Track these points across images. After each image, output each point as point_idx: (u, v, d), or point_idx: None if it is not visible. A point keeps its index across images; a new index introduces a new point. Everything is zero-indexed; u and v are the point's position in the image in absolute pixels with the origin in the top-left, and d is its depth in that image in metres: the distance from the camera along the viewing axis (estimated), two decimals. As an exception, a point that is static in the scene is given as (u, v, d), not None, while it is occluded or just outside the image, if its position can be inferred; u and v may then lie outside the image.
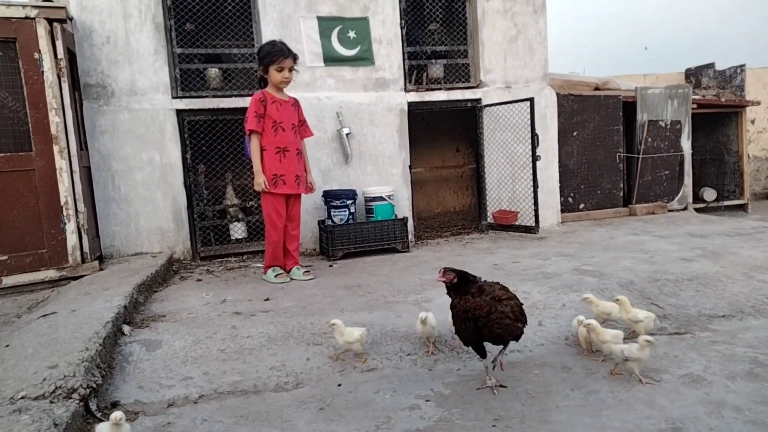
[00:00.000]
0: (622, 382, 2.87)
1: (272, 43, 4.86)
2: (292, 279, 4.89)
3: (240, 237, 6.18)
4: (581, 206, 7.96)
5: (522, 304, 2.85)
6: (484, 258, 5.39)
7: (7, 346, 3.06)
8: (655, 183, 8.27)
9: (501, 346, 2.90)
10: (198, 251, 5.91)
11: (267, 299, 4.21)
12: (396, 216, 6.06)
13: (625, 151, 8.17)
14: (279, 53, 4.76)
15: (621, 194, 8.20)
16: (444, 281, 2.90)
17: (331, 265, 5.45)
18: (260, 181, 4.73)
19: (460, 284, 2.87)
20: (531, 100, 6.20)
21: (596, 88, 8.44)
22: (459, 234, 6.95)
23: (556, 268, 4.80)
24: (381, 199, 5.96)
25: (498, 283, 2.90)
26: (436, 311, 3.81)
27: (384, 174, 6.42)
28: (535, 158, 6.31)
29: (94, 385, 2.68)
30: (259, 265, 5.66)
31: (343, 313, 3.74)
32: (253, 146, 4.75)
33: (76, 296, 4.02)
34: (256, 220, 6.21)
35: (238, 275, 5.20)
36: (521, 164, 6.62)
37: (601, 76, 9.07)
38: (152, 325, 3.65)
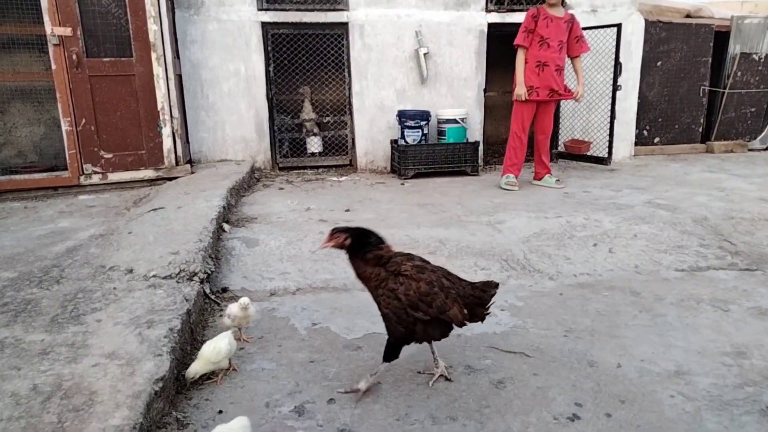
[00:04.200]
0: (689, 308, 3.01)
1: None
2: (543, 185, 5.48)
3: (315, 151, 6.45)
4: (656, 140, 7.76)
5: (436, 292, 2.10)
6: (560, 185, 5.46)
7: (130, 233, 3.48)
8: (738, 120, 7.91)
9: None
10: (277, 162, 6.23)
11: (348, 210, 4.50)
12: (467, 139, 6.14)
13: (710, 85, 7.79)
14: None
15: (700, 130, 7.92)
16: (334, 246, 2.18)
17: (402, 184, 5.66)
18: (520, 93, 5.11)
19: (358, 247, 2.18)
20: (618, 26, 5.96)
21: (687, 16, 7.94)
22: (528, 161, 6.96)
23: (628, 200, 4.84)
24: (454, 121, 6.03)
25: (418, 258, 2.25)
26: (509, 232, 4.02)
27: (458, 96, 6.44)
28: (615, 88, 6.15)
29: (209, 272, 3.06)
30: (335, 178, 5.95)
31: (420, 228, 3.98)
32: (519, 59, 5.12)
33: (177, 195, 4.42)
34: (331, 135, 6.44)
35: (316, 186, 5.50)
36: (599, 93, 6.48)
37: (693, 2, 8.50)
38: (247, 225, 4.01)
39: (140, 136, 5.14)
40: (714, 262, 3.67)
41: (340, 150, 6.46)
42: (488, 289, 2.22)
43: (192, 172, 5.40)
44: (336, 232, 2.18)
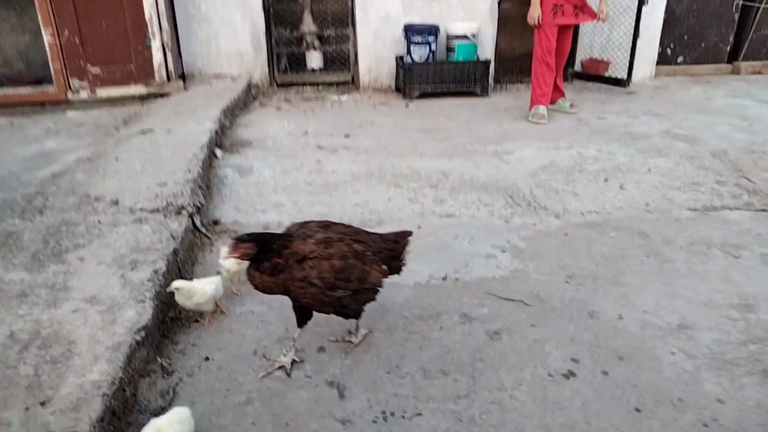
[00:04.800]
0: (699, 254, 2.88)
1: None
2: (556, 110, 5.11)
3: (316, 67, 6.10)
4: (679, 59, 7.28)
5: (352, 264, 1.94)
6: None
7: (116, 158, 3.32)
8: (770, 39, 7.38)
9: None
10: (275, 78, 5.91)
11: (347, 135, 4.29)
12: (478, 57, 5.76)
13: (744, -1, 7.19)
14: None
15: (727, 49, 7.40)
16: (238, 257, 1.89)
17: (407, 106, 5.38)
18: (534, 15, 4.63)
19: (263, 254, 1.88)
20: (650, -70, 5.39)
21: None
22: (540, 81, 6.60)
23: (645, 128, 4.59)
24: (464, 37, 5.62)
25: (317, 226, 2.00)
26: (516, 164, 3.83)
27: (470, 9, 5.97)
28: (642, 2, 5.67)
29: (199, 204, 2.93)
30: (336, 97, 5.66)
31: (423, 159, 3.79)
32: None
33: (168, 115, 4.20)
34: (332, 50, 6.06)
35: (315, 107, 5.24)
36: (622, 7, 5.98)
37: None
38: (241, 151, 3.83)
39: (128, 49, 4.83)
40: (729, 201, 3.50)
41: (341, 66, 6.10)
42: (401, 239, 2.12)
43: (185, 89, 5.14)
44: (238, 243, 1.85)
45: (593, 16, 4.78)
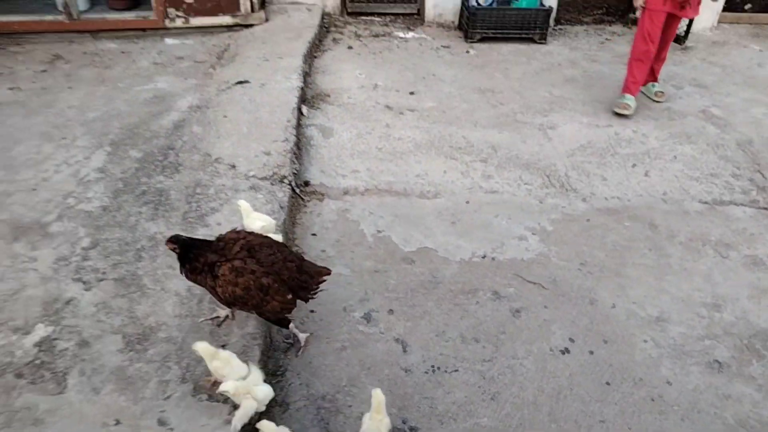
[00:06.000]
0: (693, 251, 3.54)
1: None
2: (642, 93, 4.98)
3: (385, -3, 6.38)
4: (747, 6, 7.20)
5: (252, 295, 2.34)
6: (618, 72, 5.46)
7: (225, 116, 4.02)
8: None
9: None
10: (346, 7, 6.25)
11: (412, 93, 4.83)
12: (541, 3, 5.96)
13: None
14: None
15: (800, -2, 7.24)
16: (170, 249, 2.44)
17: (467, 51, 5.76)
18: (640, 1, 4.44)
19: (186, 254, 2.40)
20: None
21: None
22: (601, 23, 6.74)
23: (684, 104, 4.96)
24: (531, -16, 5.80)
25: (243, 250, 2.38)
26: (557, 142, 4.38)
27: (541, -51, 6.03)
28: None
29: (296, 171, 3.67)
30: (401, 34, 6.03)
31: (476, 129, 4.39)
32: None
33: (257, 61, 4.78)
34: (402, -19, 6.29)
35: (383, 48, 5.67)
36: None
37: None
38: (322, 107, 4.47)
39: (218, -18, 5.26)
40: (738, 196, 4.04)
41: (409, -2, 6.37)
42: (317, 276, 2.50)
43: (266, 20, 5.60)
44: (170, 240, 2.41)
45: (697, 13, 4.57)
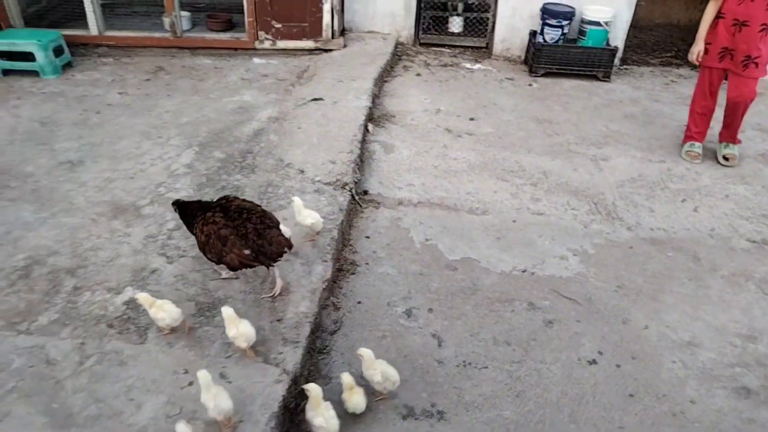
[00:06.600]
0: (735, 285, 3.60)
1: None
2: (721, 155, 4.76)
3: (456, 31, 6.78)
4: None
5: (212, 242, 2.78)
6: (680, 113, 5.54)
7: (299, 128, 4.48)
8: None
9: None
10: (419, 38, 6.70)
11: (472, 119, 5.14)
12: (608, 42, 6.16)
13: None
14: None
15: None
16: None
17: (530, 84, 6.03)
18: (693, 51, 4.44)
19: (184, 213, 3.02)
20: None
21: None
22: (668, 65, 6.82)
23: (743, 146, 4.96)
24: (597, 24, 6.02)
25: (221, 204, 2.89)
26: (608, 173, 4.55)
27: (610, -9, 6.24)
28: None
29: (356, 180, 4.05)
30: (468, 65, 6.38)
31: (530, 155, 4.62)
32: (708, 10, 4.35)
33: (332, 82, 5.25)
34: (473, 17, 6.67)
35: (449, 77, 6.04)
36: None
37: None
38: (386, 126, 4.86)
39: (305, 11, 5.83)
40: (790, 238, 4.05)
41: (478, 32, 6.73)
42: (277, 246, 2.77)
43: (344, 45, 6.11)
44: (172, 204, 3.07)
45: (764, 74, 4.40)
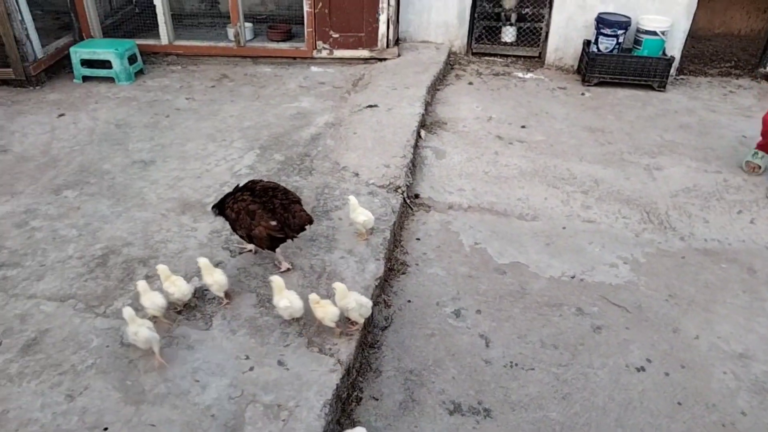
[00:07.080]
0: (793, 300, 3.53)
1: None
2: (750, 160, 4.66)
3: (508, 41, 6.84)
4: None
5: (242, 218, 3.08)
6: (738, 123, 5.42)
7: (355, 133, 4.65)
8: None
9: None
10: (471, 47, 6.80)
11: (523, 126, 5.19)
12: (664, 51, 6.09)
13: None
14: None
15: None
16: None
17: (583, 94, 6.02)
18: None
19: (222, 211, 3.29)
20: None
21: None
22: (727, 76, 6.67)
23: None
24: (653, 33, 5.96)
25: (249, 188, 3.20)
26: (662, 182, 4.51)
27: (668, 0, 6.17)
28: None
29: (409, 184, 4.18)
30: (521, 74, 6.44)
31: (581, 163, 4.64)
32: None
33: (386, 89, 5.42)
34: (526, 27, 6.72)
35: (501, 86, 6.11)
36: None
37: None
38: (438, 132, 4.97)
39: (362, 21, 6.03)
40: None
41: (531, 42, 6.77)
42: (299, 220, 3.06)
43: (399, 55, 6.28)
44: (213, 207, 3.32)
45: None
